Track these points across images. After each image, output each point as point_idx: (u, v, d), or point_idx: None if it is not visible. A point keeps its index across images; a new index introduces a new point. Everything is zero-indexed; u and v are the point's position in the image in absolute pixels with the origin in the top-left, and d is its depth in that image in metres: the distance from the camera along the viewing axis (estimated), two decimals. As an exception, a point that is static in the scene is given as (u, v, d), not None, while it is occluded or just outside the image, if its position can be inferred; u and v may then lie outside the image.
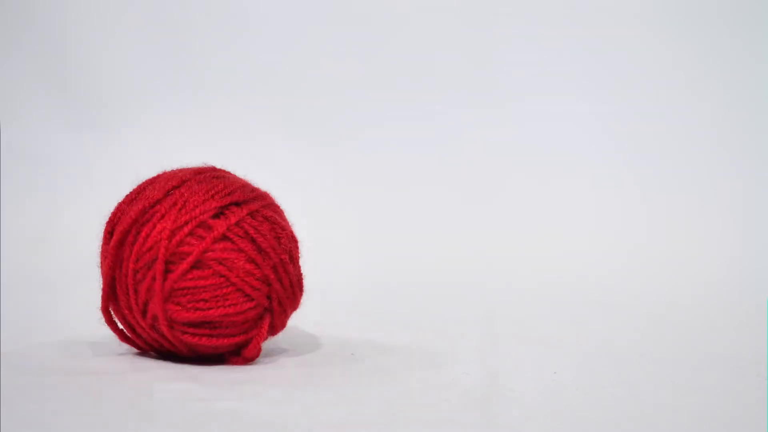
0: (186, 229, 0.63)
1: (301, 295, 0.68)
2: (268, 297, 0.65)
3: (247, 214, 0.64)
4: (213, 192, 0.65)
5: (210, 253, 0.63)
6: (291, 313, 0.68)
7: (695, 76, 1.20)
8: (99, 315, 0.67)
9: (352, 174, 1.21)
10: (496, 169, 1.20)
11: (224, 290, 0.63)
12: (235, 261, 0.63)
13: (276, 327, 0.67)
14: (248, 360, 0.66)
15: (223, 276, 0.63)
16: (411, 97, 1.22)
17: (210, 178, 0.66)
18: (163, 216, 0.63)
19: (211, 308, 0.63)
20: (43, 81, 1.22)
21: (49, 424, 0.53)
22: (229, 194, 0.65)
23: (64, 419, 0.54)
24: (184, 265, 0.62)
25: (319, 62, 1.23)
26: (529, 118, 1.21)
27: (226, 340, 0.64)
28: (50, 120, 1.22)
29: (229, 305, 0.63)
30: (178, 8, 1.23)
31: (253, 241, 0.64)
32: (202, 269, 0.63)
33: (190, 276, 0.62)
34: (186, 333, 0.64)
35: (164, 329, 0.63)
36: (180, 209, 0.63)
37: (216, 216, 0.64)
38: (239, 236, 0.63)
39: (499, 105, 1.21)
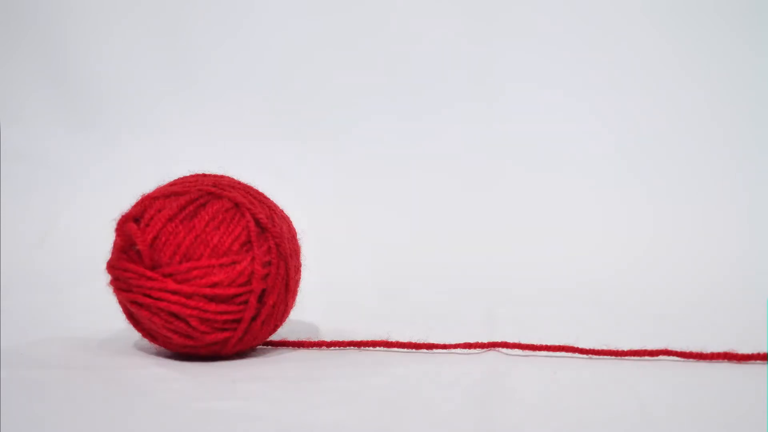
0: None
1: None
2: None
3: None
4: None
5: None
6: None
7: (700, 77, 1.20)
8: (98, 315, 0.67)
9: (350, 173, 1.21)
10: (499, 169, 1.20)
11: None
12: None
13: None
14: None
15: None
16: (412, 97, 1.22)
17: None
18: None
19: None
20: (43, 81, 1.22)
21: (49, 424, 0.53)
22: None
23: (64, 418, 0.54)
24: None
25: (318, 61, 1.23)
26: (534, 118, 1.20)
27: None
28: (50, 120, 1.22)
29: None
30: (177, 9, 1.23)
31: None
32: None
33: None
34: None
35: None
36: None
37: None
38: None
39: (505, 102, 1.21)
